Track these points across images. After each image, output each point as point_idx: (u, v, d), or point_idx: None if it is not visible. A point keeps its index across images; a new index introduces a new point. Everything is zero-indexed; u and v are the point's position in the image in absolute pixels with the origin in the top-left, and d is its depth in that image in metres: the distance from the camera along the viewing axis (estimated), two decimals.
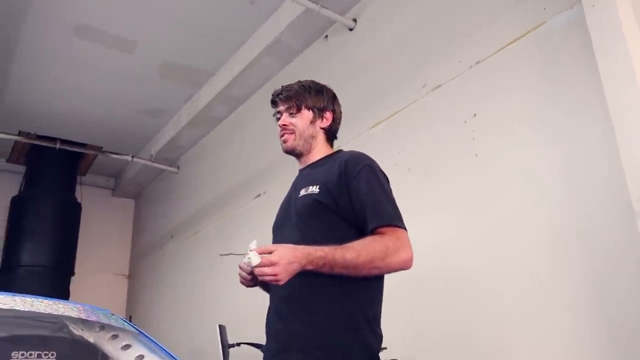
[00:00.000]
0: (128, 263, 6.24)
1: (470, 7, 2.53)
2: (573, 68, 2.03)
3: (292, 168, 1.87)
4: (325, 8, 3.19)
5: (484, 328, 2.16)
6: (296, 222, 1.62)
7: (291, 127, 1.75)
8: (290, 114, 1.76)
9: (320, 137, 1.78)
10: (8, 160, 5.62)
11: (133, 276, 6.12)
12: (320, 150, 1.77)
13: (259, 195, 3.95)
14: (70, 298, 5.06)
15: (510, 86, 2.26)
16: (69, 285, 5.19)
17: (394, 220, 1.52)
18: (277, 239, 1.72)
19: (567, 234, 1.96)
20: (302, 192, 1.64)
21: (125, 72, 4.28)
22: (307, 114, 1.76)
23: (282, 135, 1.77)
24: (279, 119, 1.80)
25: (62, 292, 4.99)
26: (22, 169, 5.59)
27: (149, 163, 5.29)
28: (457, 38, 2.57)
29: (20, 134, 4.95)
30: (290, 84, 1.81)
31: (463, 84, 2.48)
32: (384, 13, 3.11)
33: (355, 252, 1.42)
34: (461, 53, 2.51)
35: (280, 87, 1.82)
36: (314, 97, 1.77)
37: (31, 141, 4.98)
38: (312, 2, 3.18)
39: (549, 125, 2.08)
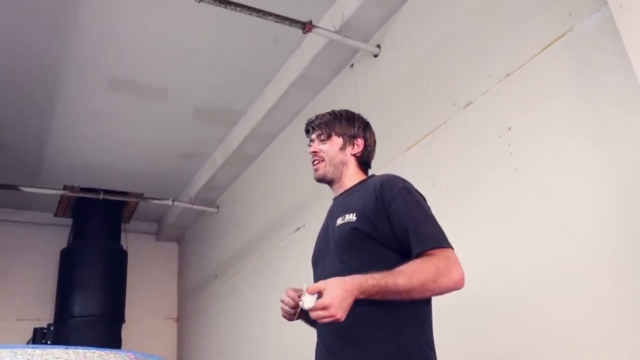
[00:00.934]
0: (176, 306, 6.29)
1: (492, 22, 2.51)
2: (608, 70, 1.97)
3: (329, 198, 1.86)
4: (349, 37, 3.22)
5: (540, 348, 2.07)
6: (336, 251, 1.60)
7: (321, 154, 1.77)
8: (321, 140, 1.78)
9: (352, 164, 1.78)
10: (55, 215, 5.81)
11: (181, 319, 6.16)
12: (352, 177, 1.77)
13: (298, 228, 3.95)
14: (122, 345, 5.13)
15: (543, 95, 2.21)
16: (120, 332, 5.25)
17: (439, 241, 1.49)
18: (317, 271, 1.70)
19: (624, 243, 1.86)
20: (339, 221, 1.63)
21: (159, 120, 4.40)
22: (337, 141, 1.78)
23: (314, 163, 1.79)
24: (309, 146, 1.83)
25: (114, 340, 5.06)
26: (69, 221, 5.76)
27: (189, 205, 5.37)
28: (483, 53, 2.54)
29: (64, 188, 5.11)
30: (324, 113, 1.85)
31: (494, 99, 2.44)
32: (407, 36, 3.11)
33: (407, 277, 1.39)
34: (489, 68, 2.48)
35: (313, 116, 1.86)
36: (345, 124, 1.80)
37: (75, 194, 5.14)
38: (335, 32, 3.21)
39: (590, 130, 2.01)
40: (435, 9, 2.91)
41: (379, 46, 3.32)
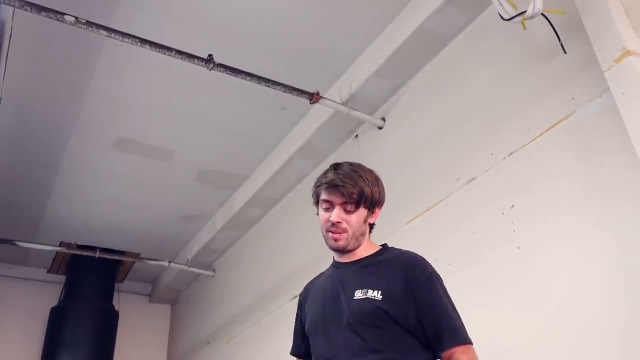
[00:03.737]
0: None
1: (497, 101, 2.57)
2: (611, 153, 2.00)
3: (328, 265, 1.83)
4: (354, 109, 3.29)
5: None
6: (352, 326, 1.54)
7: (344, 225, 1.62)
8: (347, 211, 1.62)
9: (367, 232, 1.70)
10: (49, 271, 5.71)
11: None
12: (366, 245, 1.69)
13: (295, 296, 3.86)
14: None
15: (547, 175, 2.23)
16: None
17: (466, 338, 1.52)
18: (318, 341, 1.63)
19: (626, 329, 1.82)
20: (359, 294, 1.56)
21: (162, 181, 4.41)
22: (362, 213, 1.64)
23: (333, 232, 1.63)
24: (326, 209, 1.65)
25: None
26: (62, 278, 5.65)
27: (185, 268, 5.30)
28: (487, 131, 2.58)
29: (61, 244, 5.06)
30: (351, 175, 1.63)
31: (498, 176, 2.46)
32: (412, 110, 3.18)
33: None
34: (493, 146, 2.52)
35: (336, 172, 1.65)
36: (372, 193, 1.64)
37: (72, 251, 5.07)
38: (341, 104, 3.28)
39: (594, 212, 2.01)
40: (441, 86, 2.99)
41: (383, 119, 3.39)
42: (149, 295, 6.36)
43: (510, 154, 2.41)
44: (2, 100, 3.03)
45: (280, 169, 4.03)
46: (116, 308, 5.56)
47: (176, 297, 6.26)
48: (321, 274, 1.88)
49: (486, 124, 2.60)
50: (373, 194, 1.64)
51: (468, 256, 2.52)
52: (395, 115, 3.32)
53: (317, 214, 1.72)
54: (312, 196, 1.72)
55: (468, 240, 2.54)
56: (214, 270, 5.40)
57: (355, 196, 1.61)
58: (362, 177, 1.64)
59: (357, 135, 3.63)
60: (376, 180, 1.69)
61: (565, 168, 2.16)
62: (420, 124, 3.07)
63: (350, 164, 1.69)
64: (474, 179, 2.58)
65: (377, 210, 1.69)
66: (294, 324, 1.90)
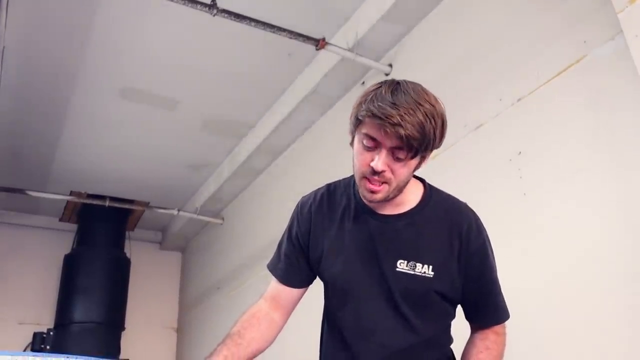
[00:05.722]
0: (176, 316, 6.27)
1: (506, 46, 2.51)
2: (622, 98, 1.96)
3: None
4: (361, 56, 3.23)
5: None
6: (397, 304, 1.33)
7: (389, 175, 1.25)
8: (396, 157, 1.24)
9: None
10: (61, 220, 5.83)
11: (181, 329, 6.13)
12: (409, 190, 1.36)
13: None
14: (121, 353, 5.10)
15: (556, 121, 2.20)
16: (120, 340, 5.23)
17: (508, 313, 1.45)
18: (349, 308, 1.38)
19: (634, 274, 1.83)
20: (403, 267, 1.31)
21: (169, 130, 4.42)
22: (414, 162, 1.28)
23: (370, 181, 1.27)
24: (368, 147, 1.25)
25: (113, 348, 5.04)
26: (73, 227, 5.77)
27: (194, 216, 5.37)
28: (495, 76, 2.54)
29: (71, 193, 5.13)
30: (409, 104, 1.22)
31: (505, 122, 2.44)
32: (419, 56, 3.12)
33: None
34: (501, 91, 2.48)
35: (394, 104, 1.21)
36: (434, 135, 1.24)
37: (82, 200, 5.15)
38: (348, 50, 3.22)
39: (603, 158, 1.99)
40: (449, 30, 2.91)
41: (390, 65, 3.33)
42: (160, 243, 6.48)
43: (519, 99, 2.38)
44: (5, 50, 3.00)
45: (286, 117, 4.01)
46: (128, 255, 5.69)
47: (186, 245, 6.38)
48: (327, 192, 1.51)
49: (495, 69, 2.55)
50: (435, 138, 1.24)
51: (474, 203, 2.50)
52: (402, 61, 3.26)
53: (351, 144, 1.33)
54: (352, 119, 1.30)
55: (474, 187, 2.53)
56: (223, 219, 5.47)
57: (415, 143, 1.20)
58: (427, 115, 1.21)
59: (363, 83, 3.58)
60: (441, 115, 1.27)
61: (574, 115, 2.13)
62: (427, 70, 3.01)
63: (413, 89, 1.27)
64: (481, 125, 2.56)
65: (429, 153, 1.30)
66: (284, 240, 1.64)
